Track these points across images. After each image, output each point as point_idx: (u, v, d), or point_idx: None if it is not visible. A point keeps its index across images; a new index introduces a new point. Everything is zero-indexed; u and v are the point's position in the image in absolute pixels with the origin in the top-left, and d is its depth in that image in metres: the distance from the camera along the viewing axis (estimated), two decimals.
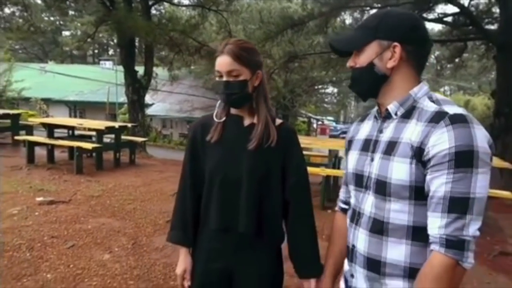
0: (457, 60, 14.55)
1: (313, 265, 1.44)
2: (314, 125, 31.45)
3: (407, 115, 1.07)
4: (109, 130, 7.25)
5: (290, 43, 13.01)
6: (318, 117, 32.85)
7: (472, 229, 0.93)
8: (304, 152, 1.64)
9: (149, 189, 6.06)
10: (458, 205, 0.92)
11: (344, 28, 12.38)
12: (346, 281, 1.23)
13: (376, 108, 1.19)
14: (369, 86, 1.14)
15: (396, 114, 1.09)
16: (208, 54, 16.16)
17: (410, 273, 1.03)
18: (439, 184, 0.94)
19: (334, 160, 6.21)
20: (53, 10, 15.48)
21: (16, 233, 3.69)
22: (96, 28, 13.54)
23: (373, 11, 11.96)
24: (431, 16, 11.86)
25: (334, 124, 36.73)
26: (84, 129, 8.46)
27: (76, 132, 8.39)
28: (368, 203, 1.12)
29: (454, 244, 0.93)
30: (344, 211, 1.32)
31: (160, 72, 16.20)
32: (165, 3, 14.92)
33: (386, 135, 1.09)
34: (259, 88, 1.45)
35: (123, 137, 7.92)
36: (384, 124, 1.12)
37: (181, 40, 14.12)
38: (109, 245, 3.67)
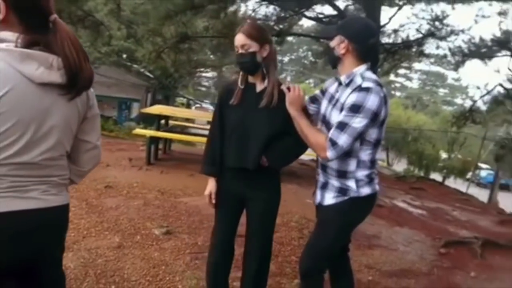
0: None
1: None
2: (193, 107, 31.95)
3: (348, 84, 1.84)
4: None
5: (183, 24, 13.25)
6: (197, 99, 33.41)
7: (341, 140, 1.71)
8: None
9: None
10: (341, 126, 1.72)
11: (235, 15, 13.18)
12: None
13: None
14: (331, 61, 1.95)
15: (345, 82, 1.86)
16: (93, 24, 15.27)
17: (339, 174, 1.87)
18: (341, 116, 1.73)
19: None
20: None
21: None
22: None
23: (264, 2, 13.10)
24: (310, 14, 13.49)
25: (211, 107, 37.69)
26: None
27: None
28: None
29: (331, 141, 1.72)
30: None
31: None
32: None
33: (337, 94, 1.87)
34: (268, 58, 1.93)
35: None
36: (340, 87, 1.89)
37: (62, 6, 13.05)
38: None
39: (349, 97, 1.75)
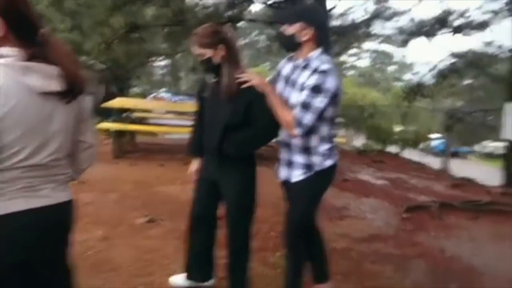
0: None
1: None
2: (148, 97, 31.18)
3: (305, 67, 2.05)
4: None
5: (132, 14, 12.85)
6: (153, 89, 32.60)
7: (306, 118, 1.94)
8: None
9: None
10: (305, 106, 1.94)
11: (183, 2, 12.94)
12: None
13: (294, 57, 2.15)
14: (289, 46, 2.12)
15: (301, 66, 2.06)
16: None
17: (303, 150, 2.09)
18: (303, 96, 1.95)
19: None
20: None
21: None
22: None
23: None
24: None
25: (166, 95, 36.94)
26: None
27: None
28: None
29: (298, 120, 1.95)
30: None
31: None
32: None
33: (294, 76, 2.08)
34: (225, 57, 2.08)
35: None
36: (296, 70, 2.10)
37: None
38: None
39: (309, 79, 1.95)
